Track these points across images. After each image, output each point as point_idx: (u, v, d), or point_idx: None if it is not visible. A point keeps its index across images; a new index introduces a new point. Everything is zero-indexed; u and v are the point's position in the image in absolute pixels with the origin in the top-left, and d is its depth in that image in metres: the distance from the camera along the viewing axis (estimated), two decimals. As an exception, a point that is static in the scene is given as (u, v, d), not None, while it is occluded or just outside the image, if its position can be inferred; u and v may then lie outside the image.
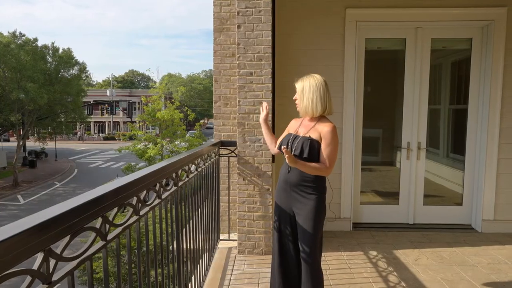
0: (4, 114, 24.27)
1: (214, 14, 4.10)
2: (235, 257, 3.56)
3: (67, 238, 0.99)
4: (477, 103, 4.35)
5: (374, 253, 3.69)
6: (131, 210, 1.46)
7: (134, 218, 1.47)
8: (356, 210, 4.50)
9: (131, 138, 20.73)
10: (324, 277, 2.76)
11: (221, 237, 3.91)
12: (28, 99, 23.89)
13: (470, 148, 4.43)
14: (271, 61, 3.47)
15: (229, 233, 3.94)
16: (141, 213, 1.55)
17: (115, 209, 1.28)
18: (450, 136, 4.65)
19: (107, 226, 1.21)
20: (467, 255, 3.62)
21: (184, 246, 2.51)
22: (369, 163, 4.65)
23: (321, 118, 2.37)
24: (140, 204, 1.52)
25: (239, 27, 3.46)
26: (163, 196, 1.84)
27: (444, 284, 3.03)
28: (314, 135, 2.33)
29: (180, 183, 2.22)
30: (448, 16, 4.16)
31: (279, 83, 3.92)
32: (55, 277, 0.93)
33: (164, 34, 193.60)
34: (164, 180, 1.88)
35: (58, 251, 0.94)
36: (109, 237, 1.24)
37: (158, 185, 1.77)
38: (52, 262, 0.92)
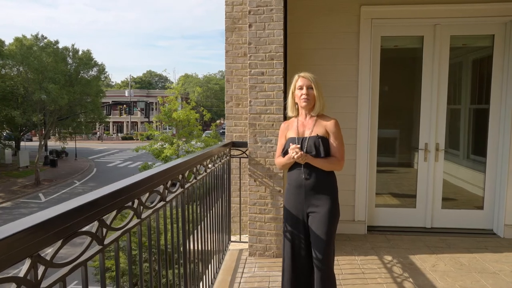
0: (27, 114, 25.05)
1: (226, 14, 4.07)
2: (246, 259, 3.51)
3: (59, 243, 0.96)
4: (499, 103, 4.16)
5: (389, 257, 3.57)
6: (131, 213, 1.42)
7: (135, 221, 1.44)
8: (371, 213, 4.38)
9: (148, 138, 20.98)
10: (337, 282, 2.68)
11: (232, 238, 3.87)
12: (49, 100, 24.59)
13: (491, 149, 4.24)
14: (282, 61, 3.41)
15: (240, 234, 3.90)
16: (143, 216, 1.52)
17: (114, 212, 1.24)
18: (470, 137, 4.47)
19: (104, 230, 1.17)
20: (488, 262, 3.46)
21: (195, 247, 2.48)
22: (385, 164, 4.52)
23: (320, 114, 2.41)
24: (142, 207, 1.49)
25: (250, 26, 3.41)
26: (167, 199, 1.81)
27: (462, 292, 2.90)
28: (320, 132, 2.32)
29: (187, 185, 2.18)
30: (469, 12, 3.99)
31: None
32: (44, 284, 0.89)
33: (181, 35, 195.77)
34: (169, 182, 1.84)
35: (48, 257, 0.91)
36: (107, 241, 1.21)
37: (162, 187, 1.74)
38: (41, 268, 0.88)
